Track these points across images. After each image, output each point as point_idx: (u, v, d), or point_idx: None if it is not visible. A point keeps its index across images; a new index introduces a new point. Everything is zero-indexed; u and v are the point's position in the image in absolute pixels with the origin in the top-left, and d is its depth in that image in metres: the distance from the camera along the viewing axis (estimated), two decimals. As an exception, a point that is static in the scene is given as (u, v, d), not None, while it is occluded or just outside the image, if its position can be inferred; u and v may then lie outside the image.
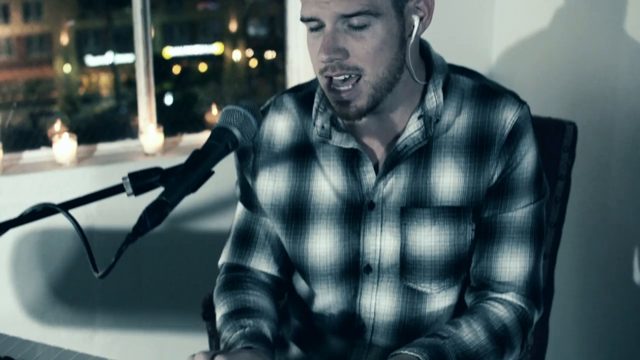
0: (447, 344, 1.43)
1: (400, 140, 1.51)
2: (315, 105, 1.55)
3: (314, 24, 1.41)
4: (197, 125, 3.12)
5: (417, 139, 1.50)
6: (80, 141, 2.81)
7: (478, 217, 1.53)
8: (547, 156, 1.94)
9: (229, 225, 1.74)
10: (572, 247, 2.56)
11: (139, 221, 1.17)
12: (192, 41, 3.47)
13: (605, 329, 2.58)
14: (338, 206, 1.56)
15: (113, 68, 2.88)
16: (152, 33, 2.93)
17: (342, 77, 1.41)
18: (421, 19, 1.45)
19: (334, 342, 1.65)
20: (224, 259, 1.71)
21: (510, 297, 1.55)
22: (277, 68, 3.27)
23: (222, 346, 1.52)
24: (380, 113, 1.49)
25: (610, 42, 2.42)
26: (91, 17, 3.13)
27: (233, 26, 3.39)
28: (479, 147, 1.51)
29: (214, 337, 1.94)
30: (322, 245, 1.57)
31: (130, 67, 2.93)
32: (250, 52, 3.41)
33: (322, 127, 1.54)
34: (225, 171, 1.69)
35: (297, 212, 1.58)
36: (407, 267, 1.54)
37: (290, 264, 1.65)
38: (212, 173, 1.28)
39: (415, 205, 1.52)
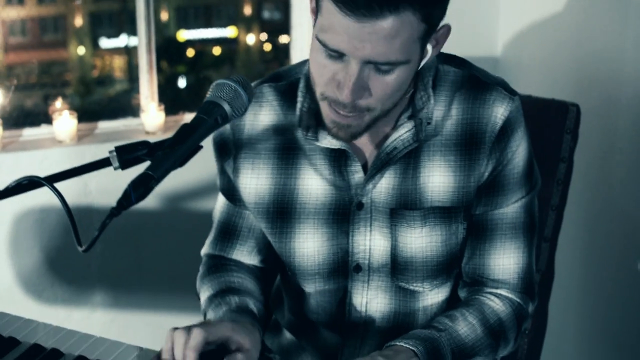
0: (442, 337, 1.41)
1: (389, 141, 1.45)
2: (299, 104, 1.48)
3: (335, 54, 1.29)
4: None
5: (407, 141, 1.44)
6: (89, 121, 2.80)
7: (469, 216, 1.50)
8: (549, 138, 1.91)
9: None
10: (574, 230, 2.54)
11: (123, 195, 1.14)
12: (207, 24, 3.46)
13: (607, 314, 2.55)
14: (326, 206, 1.51)
15: (127, 50, 2.87)
16: (167, 16, 2.92)
17: (348, 115, 1.34)
18: (434, 47, 1.37)
19: (326, 336, 1.62)
20: (206, 249, 1.67)
21: (505, 292, 1.53)
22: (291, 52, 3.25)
23: None
24: None
25: (616, 26, 2.39)
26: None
27: (247, 10, 3.37)
28: (468, 145, 1.46)
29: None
30: (310, 244, 1.53)
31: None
32: (264, 36, 3.39)
33: (308, 128, 1.46)
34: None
35: (283, 211, 1.53)
36: (398, 267, 1.51)
37: (275, 255, 1.61)
38: (200, 147, 1.25)
39: (406, 207, 1.47)
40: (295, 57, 3.03)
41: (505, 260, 1.52)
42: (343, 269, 1.53)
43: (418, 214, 1.47)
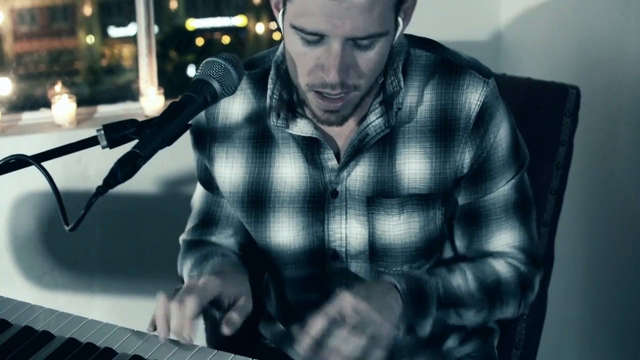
0: (431, 281, 1.41)
1: (361, 127, 1.43)
2: (269, 92, 1.45)
3: (313, 38, 1.28)
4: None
5: (379, 127, 1.42)
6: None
7: (447, 202, 1.48)
8: (549, 121, 1.89)
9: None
10: (574, 215, 2.52)
11: (110, 173, 1.13)
12: (216, 13, 3.44)
13: (609, 300, 2.54)
14: (300, 194, 1.49)
15: (136, 39, 2.86)
16: (176, 4, 2.91)
17: (338, 96, 1.32)
18: (403, 19, 1.35)
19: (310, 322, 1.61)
20: (184, 236, 1.67)
21: (510, 260, 1.52)
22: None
23: None
24: None
25: (619, 6, 2.36)
26: (115, -12, 3.12)
27: (257, -2, 3.37)
28: (443, 131, 1.44)
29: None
30: (285, 233, 1.52)
31: (154, 39, 2.90)
32: (273, 25, 3.37)
33: (278, 115, 1.44)
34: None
35: (257, 200, 1.52)
36: (377, 254, 1.49)
37: (254, 242, 1.60)
38: (189, 126, 1.24)
39: (382, 195, 1.45)
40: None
41: (505, 241, 1.51)
42: (320, 256, 1.52)
43: (395, 202, 1.45)
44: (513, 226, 1.50)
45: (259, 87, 1.50)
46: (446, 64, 1.45)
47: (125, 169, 1.14)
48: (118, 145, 1.23)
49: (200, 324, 1.96)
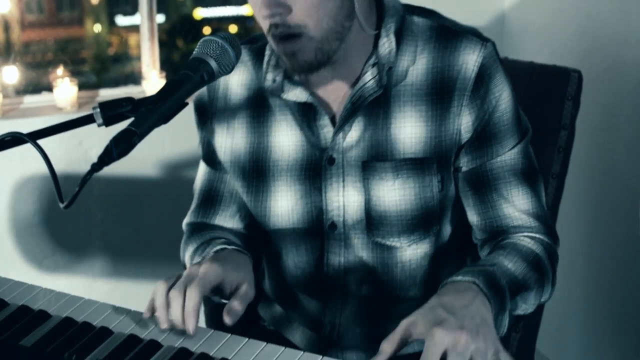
0: (497, 270, 1.34)
1: (354, 90, 1.43)
2: (266, 58, 1.48)
3: None
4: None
5: (372, 88, 1.42)
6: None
7: (443, 168, 1.46)
8: (551, 105, 1.87)
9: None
10: (576, 199, 2.51)
11: (105, 150, 1.12)
12: (223, 2, 3.43)
13: (610, 285, 2.53)
14: (297, 162, 1.49)
15: (143, 28, 2.86)
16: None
17: (285, 35, 1.34)
18: None
19: (306, 302, 1.61)
20: (187, 219, 1.67)
21: (531, 234, 1.49)
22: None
23: None
24: (334, 63, 1.41)
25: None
26: (122, -23, 3.11)
27: (264, -13, 3.34)
28: (439, 93, 1.43)
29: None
30: (284, 203, 1.51)
31: (161, 28, 2.89)
32: (280, 14, 3.36)
33: (274, 80, 1.46)
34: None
35: (257, 170, 1.52)
36: (373, 222, 1.48)
37: (256, 222, 1.60)
38: (185, 104, 1.23)
39: (377, 159, 1.45)
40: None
41: (518, 207, 1.48)
42: (318, 227, 1.51)
43: (390, 166, 1.44)
44: (525, 192, 1.48)
45: (258, 59, 1.52)
46: (443, 29, 1.44)
47: (120, 146, 1.13)
48: (114, 123, 1.22)
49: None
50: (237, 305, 1.32)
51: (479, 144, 1.46)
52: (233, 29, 3.44)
